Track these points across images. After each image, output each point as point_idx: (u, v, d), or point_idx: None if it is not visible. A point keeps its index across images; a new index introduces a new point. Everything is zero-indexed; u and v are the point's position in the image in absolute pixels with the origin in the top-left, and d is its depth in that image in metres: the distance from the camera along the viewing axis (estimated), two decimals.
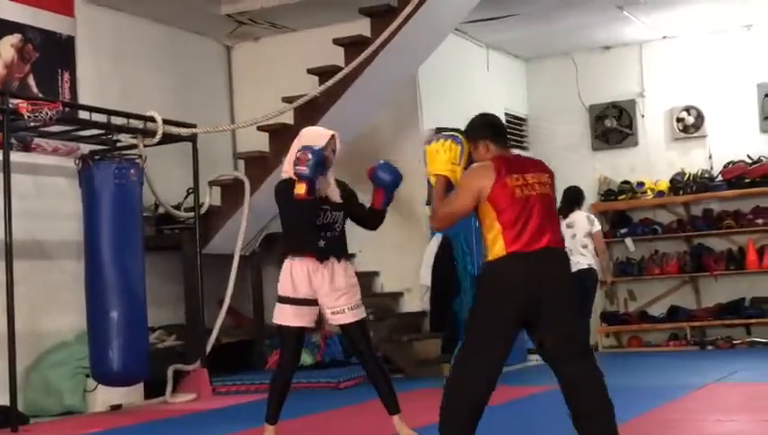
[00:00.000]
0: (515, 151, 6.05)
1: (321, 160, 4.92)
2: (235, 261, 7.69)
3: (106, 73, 7.95)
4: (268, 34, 9.26)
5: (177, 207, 7.77)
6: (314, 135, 5.24)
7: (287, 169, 5.13)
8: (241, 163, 8.47)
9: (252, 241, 8.16)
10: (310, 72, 7.90)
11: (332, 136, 5.23)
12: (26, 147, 7.16)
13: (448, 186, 4.37)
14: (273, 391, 5.07)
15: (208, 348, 7.50)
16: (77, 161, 6.71)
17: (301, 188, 4.83)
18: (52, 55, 7.48)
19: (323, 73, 7.66)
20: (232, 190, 7.96)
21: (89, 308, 6.50)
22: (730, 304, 9.70)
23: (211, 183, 7.93)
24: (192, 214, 7.59)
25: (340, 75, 7.15)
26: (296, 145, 5.16)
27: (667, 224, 10.11)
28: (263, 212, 8.02)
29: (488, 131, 4.38)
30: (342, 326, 5.13)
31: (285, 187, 5.07)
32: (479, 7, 7.86)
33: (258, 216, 7.95)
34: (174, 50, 8.72)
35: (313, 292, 5.05)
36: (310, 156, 4.85)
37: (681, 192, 9.94)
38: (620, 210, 10.23)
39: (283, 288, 5.05)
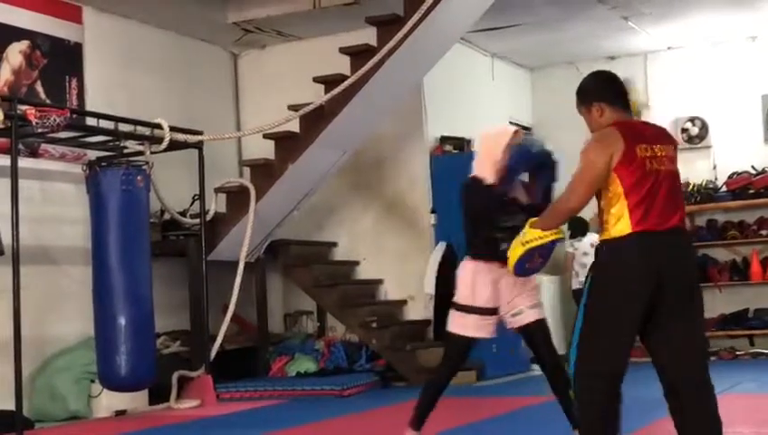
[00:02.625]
0: None
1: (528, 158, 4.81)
2: (240, 268, 7.71)
3: (113, 80, 7.99)
4: (274, 42, 9.29)
5: (183, 214, 7.80)
6: (498, 135, 4.88)
7: (482, 169, 4.77)
8: (246, 170, 8.50)
9: (257, 248, 8.19)
10: (316, 80, 7.93)
11: (516, 132, 4.90)
12: (34, 153, 7.19)
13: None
14: (425, 397, 4.79)
15: (213, 354, 7.52)
16: (84, 167, 6.74)
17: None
18: (60, 62, 7.53)
19: (329, 82, 7.69)
20: (237, 197, 7.99)
21: (96, 314, 6.52)
22: (733, 315, 9.69)
23: (217, 190, 7.96)
24: (198, 220, 7.62)
25: (346, 84, 7.18)
26: (491, 143, 4.83)
27: None
28: (268, 219, 8.06)
29: (603, 92, 3.95)
30: (521, 328, 4.79)
31: (477, 185, 4.78)
32: (484, 17, 7.89)
33: (263, 223, 7.98)
34: (181, 57, 8.76)
35: (496, 300, 4.77)
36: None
37: (685, 203, 9.94)
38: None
39: (463, 295, 4.85)
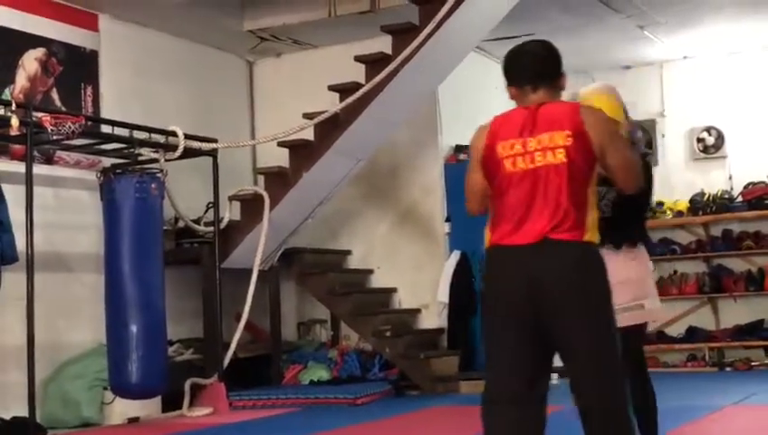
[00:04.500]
0: None
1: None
2: (254, 276, 7.72)
3: (129, 88, 8.01)
4: (290, 51, 9.31)
5: (197, 222, 7.81)
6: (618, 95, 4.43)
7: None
8: (261, 178, 8.51)
9: (270, 256, 8.19)
10: (331, 88, 7.94)
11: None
12: (49, 160, 7.22)
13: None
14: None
15: (226, 362, 7.52)
16: (99, 175, 6.76)
17: None
18: (75, 69, 7.55)
19: (344, 90, 7.70)
20: (252, 205, 7.99)
21: (108, 321, 6.53)
22: (749, 326, 9.64)
23: (231, 198, 7.97)
24: (212, 228, 7.63)
25: (360, 92, 7.18)
26: (616, 103, 4.33)
27: (686, 244, 10.07)
28: (282, 227, 8.06)
29: (508, 72, 3.64)
30: None
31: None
32: (499, 26, 7.89)
33: (277, 231, 7.97)
34: (196, 65, 8.78)
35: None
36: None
37: (701, 212, 9.90)
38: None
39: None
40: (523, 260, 3.35)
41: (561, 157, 3.34)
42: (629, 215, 4.20)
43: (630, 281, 4.11)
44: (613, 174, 3.50)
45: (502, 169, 3.41)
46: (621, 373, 3.39)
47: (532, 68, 3.59)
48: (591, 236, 3.36)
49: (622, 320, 3.83)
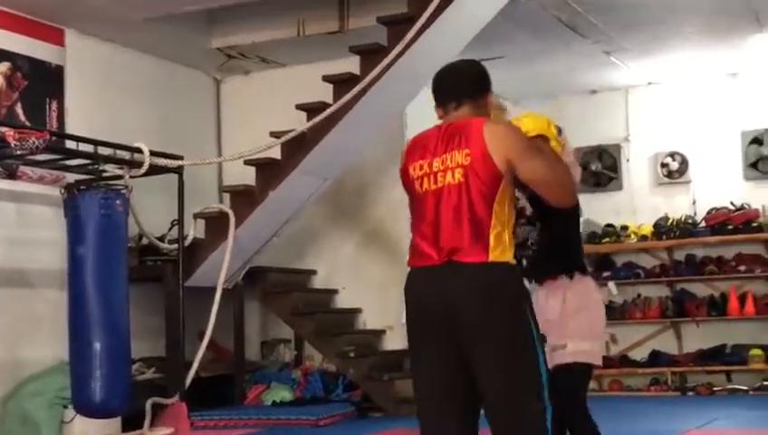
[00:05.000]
0: None
1: None
2: (218, 294, 7.65)
3: (94, 103, 7.95)
4: (258, 69, 9.29)
5: (162, 239, 7.75)
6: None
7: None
8: (227, 196, 8.46)
9: (235, 274, 8.14)
10: (298, 107, 7.93)
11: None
12: (12, 175, 7.14)
13: None
14: None
15: (188, 381, 7.44)
16: (62, 191, 6.68)
17: None
18: (40, 84, 7.49)
19: (312, 109, 7.69)
20: (217, 223, 7.94)
21: (71, 338, 6.44)
22: (711, 351, 9.71)
23: (196, 215, 7.92)
24: (176, 246, 7.57)
25: (328, 112, 7.17)
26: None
27: (649, 268, 10.14)
28: (247, 246, 8.01)
29: (434, 93, 3.59)
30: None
31: None
32: (467, 48, 7.91)
33: (242, 249, 7.93)
34: (163, 81, 8.74)
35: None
36: None
37: (664, 237, 9.98)
38: (604, 253, 10.26)
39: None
40: (432, 282, 3.28)
41: (458, 176, 3.27)
42: (559, 248, 4.10)
43: (553, 319, 4.00)
44: (535, 189, 3.43)
45: (414, 190, 3.39)
46: (539, 417, 3.19)
47: (454, 86, 3.53)
48: (500, 255, 3.22)
49: (562, 356, 3.93)
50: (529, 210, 4.12)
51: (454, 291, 3.22)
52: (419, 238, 3.36)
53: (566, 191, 3.50)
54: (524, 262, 3.96)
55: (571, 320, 4.02)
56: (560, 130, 3.96)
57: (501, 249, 3.23)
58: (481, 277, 3.21)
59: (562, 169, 3.57)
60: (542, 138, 3.83)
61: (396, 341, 8.72)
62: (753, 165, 9.90)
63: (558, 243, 4.09)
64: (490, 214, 3.24)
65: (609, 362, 10.05)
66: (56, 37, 7.68)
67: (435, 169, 3.32)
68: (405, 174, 3.43)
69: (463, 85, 3.52)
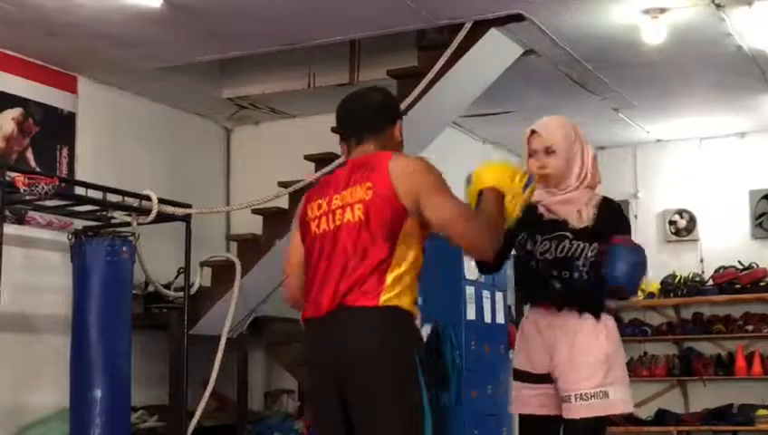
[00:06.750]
0: None
1: None
2: (222, 343, 7.63)
3: (105, 150, 8.00)
4: (268, 119, 9.35)
5: (168, 287, 7.75)
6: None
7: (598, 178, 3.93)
8: (234, 245, 8.47)
9: (240, 324, 8.11)
10: (307, 158, 7.96)
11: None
12: (20, 220, 7.17)
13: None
14: None
15: (190, 431, 7.39)
16: (70, 236, 6.71)
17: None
18: (52, 130, 7.54)
19: (320, 160, 7.71)
20: (223, 272, 7.94)
21: (72, 385, 6.43)
22: (718, 410, 9.62)
23: (203, 264, 7.92)
24: (182, 294, 7.56)
25: (336, 163, 7.19)
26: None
27: (656, 326, 10.09)
28: (252, 295, 7.99)
29: (338, 128, 3.30)
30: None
31: None
32: (477, 103, 7.98)
33: (248, 299, 7.91)
34: (173, 130, 8.80)
35: (549, 362, 3.55)
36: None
37: (672, 295, 9.94)
38: (611, 310, 10.20)
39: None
40: (321, 333, 3.02)
41: (358, 213, 3.00)
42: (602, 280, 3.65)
43: (592, 362, 3.53)
44: (443, 233, 3.08)
45: (309, 232, 3.13)
46: None
47: (354, 121, 3.28)
48: (394, 299, 2.95)
49: (583, 410, 3.38)
50: (586, 219, 3.66)
51: (340, 341, 2.94)
52: (311, 286, 3.06)
53: (481, 242, 3.08)
54: (557, 285, 3.58)
55: (611, 363, 3.55)
56: (530, 180, 3.43)
57: (397, 293, 2.97)
58: (369, 324, 2.92)
59: (483, 220, 3.13)
60: (495, 190, 3.29)
61: None
62: (762, 224, 9.89)
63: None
64: (391, 254, 2.97)
65: (615, 419, 9.97)
66: (69, 84, 7.75)
67: (333, 207, 3.06)
68: (302, 218, 3.16)
69: (362, 119, 3.24)
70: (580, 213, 3.71)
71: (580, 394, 3.43)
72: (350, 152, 3.20)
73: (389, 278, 2.96)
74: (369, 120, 3.24)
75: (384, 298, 2.94)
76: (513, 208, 3.24)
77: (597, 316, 3.67)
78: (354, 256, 2.98)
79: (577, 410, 3.42)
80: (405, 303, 2.99)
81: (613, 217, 3.86)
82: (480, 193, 3.24)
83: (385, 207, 2.98)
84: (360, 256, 2.97)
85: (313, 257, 3.08)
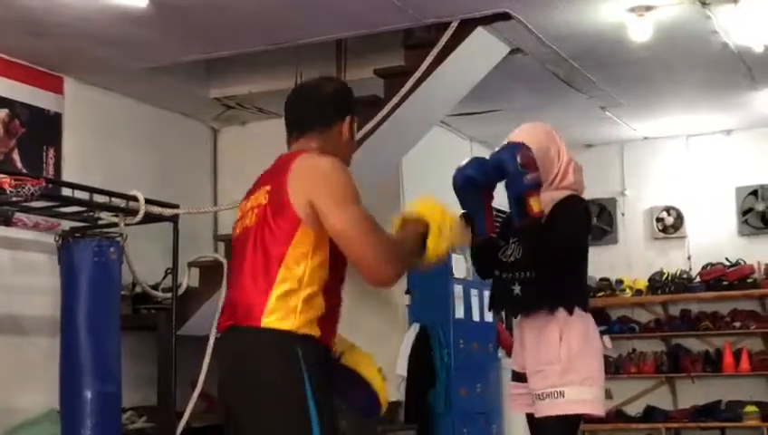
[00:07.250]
0: None
1: None
2: (210, 343, 7.61)
3: (91, 151, 7.98)
4: (255, 119, 9.33)
5: (155, 287, 7.73)
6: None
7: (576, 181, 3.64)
8: (221, 245, 8.45)
9: None
10: None
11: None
12: (7, 221, 7.13)
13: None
14: None
15: (179, 432, 7.38)
16: (57, 238, 6.69)
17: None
18: (38, 131, 7.51)
19: None
20: (211, 272, 7.92)
21: (62, 386, 6.41)
22: (706, 407, 9.66)
23: (190, 264, 7.90)
24: (169, 294, 7.55)
25: None
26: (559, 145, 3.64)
27: (644, 323, 10.13)
28: None
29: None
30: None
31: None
32: (464, 101, 7.98)
33: None
34: (160, 130, 8.77)
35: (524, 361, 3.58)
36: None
37: (659, 292, 9.97)
38: (599, 307, 10.24)
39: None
40: (219, 350, 2.88)
41: (255, 219, 2.74)
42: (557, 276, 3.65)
43: (555, 360, 3.54)
44: (342, 250, 2.75)
45: (233, 236, 2.89)
46: None
47: (296, 114, 2.95)
48: (277, 321, 2.61)
49: (546, 407, 3.39)
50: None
51: (226, 364, 2.73)
52: (226, 296, 2.86)
53: (376, 264, 2.82)
54: (516, 290, 3.65)
55: (575, 362, 3.53)
56: (466, 221, 3.34)
57: (281, 314, 2.63)
58: (248, 348, 2.63)
59: (386, 243, 2.93)
60: (420, 222, 3.15)
61: (390, 392, 8.64)
62: (747, 221, 9.93)
63: (557, 270, 3.64)
64: (277, 268, 2.63)
65: (604, 416, 9.98)
66: (55, 85, 7.72)
67: (246, 210, 2.81)
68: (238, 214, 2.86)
69: (306, 110, 2.90)
70: (544, 213, 3.74)
71: (538, 393, 3.49)
72: (289, 147, 2.90)
73: (273, 297, 2.64)
74: (314, 112, 2.92)
75: (265, 320, 2.64)
76: (437, 246, 3.01)
77: (569, 310, 3.60)
78: (249, 267, 2.70)
79: (539, 409, 3.47)
80: (290, 325, 2.64)
81: (558, 211, 3.85)
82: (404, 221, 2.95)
83: (277, 214, 2.69)
84: (251, 268, 2.69)
85: (235, 262, 2.83)
